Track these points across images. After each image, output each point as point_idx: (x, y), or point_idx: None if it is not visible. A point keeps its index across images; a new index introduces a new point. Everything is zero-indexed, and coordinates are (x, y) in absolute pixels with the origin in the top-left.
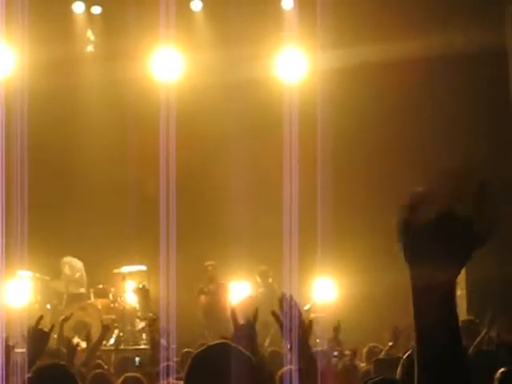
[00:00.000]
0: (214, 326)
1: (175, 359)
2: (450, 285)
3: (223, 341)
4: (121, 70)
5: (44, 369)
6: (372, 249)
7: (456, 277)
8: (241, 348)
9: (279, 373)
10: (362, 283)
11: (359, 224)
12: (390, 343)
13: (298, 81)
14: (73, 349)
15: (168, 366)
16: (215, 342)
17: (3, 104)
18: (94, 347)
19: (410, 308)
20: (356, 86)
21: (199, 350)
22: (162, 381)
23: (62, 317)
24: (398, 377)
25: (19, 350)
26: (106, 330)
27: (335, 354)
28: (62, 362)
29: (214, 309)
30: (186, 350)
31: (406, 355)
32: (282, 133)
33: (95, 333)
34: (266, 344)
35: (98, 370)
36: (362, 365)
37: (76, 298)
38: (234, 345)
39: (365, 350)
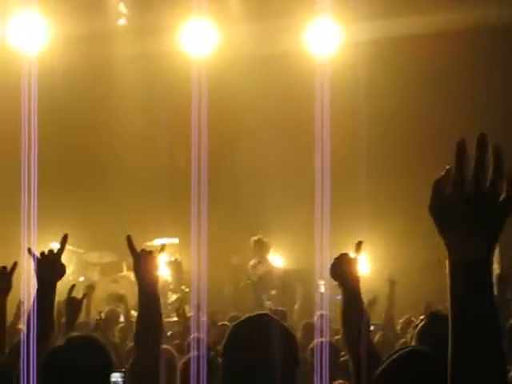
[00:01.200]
0: (276, 295)
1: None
2: (486, 261)
3: (263, 312)
4: (153, 44)
5: (75, 339)
6: (405, 224)
7: (490, 252)
8: (280, 320)
9: (311, 345)
10: (395, 258)
11: (393, 199)
12: (422, 317)
13: (330, 54)
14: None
15: (198, 339)
16: (255, 314)
17: (37, 76)
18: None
19: (443, 284)
20: (389, 59)
21: (238, 321)
22: (192, 352)
23: (87, 285)
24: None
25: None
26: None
27: (371, 328)
28: (94, 334)
29: (274, 278)
30: (222, 322)
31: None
32: (314, 106)
33: (129, 304)
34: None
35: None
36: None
37: (109, 269)
38: (274, 316)
39: (400, 321)
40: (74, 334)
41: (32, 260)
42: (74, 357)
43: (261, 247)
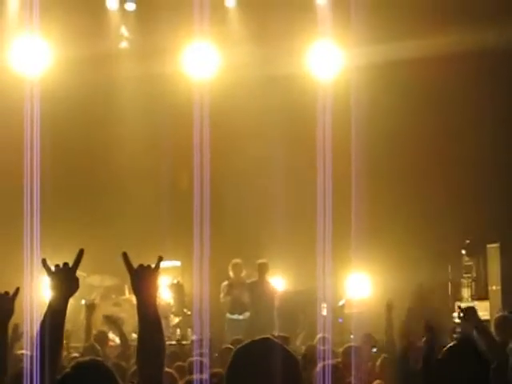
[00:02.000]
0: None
1: (208, 354)
2: None
3: (267, 336)
4: (155, 66)
5: (82, 365)
6: (406, 246)
7: None
8: (285, 345)
9: (316, 369)
10: (395, 280)
11: (393, 221)
12: (424, 338)
13: (332, 77)
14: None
15: (201, 362)
16: (259, 338)
17: (40, 99)
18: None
19: (443, 305)
20: (390, 83)
21: (242, 345)
22: (195, 375)
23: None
24: None
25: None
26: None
27: (374, 350)
28: (100, 358)
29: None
30: (226, 346)
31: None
32: (315, 128)
33: (130, 328)
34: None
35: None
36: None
37: (111, 292)
38: (278, 341)
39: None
40: (80, 359)
41: (46, 272)
42: (81, 382)
43: (264, 270)
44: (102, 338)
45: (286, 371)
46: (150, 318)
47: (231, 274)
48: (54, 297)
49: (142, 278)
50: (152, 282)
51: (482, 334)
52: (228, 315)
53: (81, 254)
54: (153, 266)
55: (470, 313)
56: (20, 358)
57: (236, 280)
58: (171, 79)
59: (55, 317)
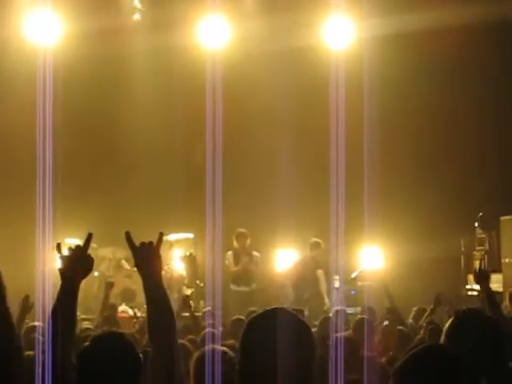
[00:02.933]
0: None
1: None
2: None
3: (280, 306)
4: (167, 39)
5: (101, 337)
6: (419, 218)
7: None
8: (297, 314)
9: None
10: (408, 252)
11: (406, 194)
12: (431, 306)
13: (345, 49)
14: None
15: (213, 333)
16: (272, 307)
17: (51, 72)
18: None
19: (454, 278)
20: (403, 54)
21: (255, 314)
22: (207, 346)
23: (108, 281)
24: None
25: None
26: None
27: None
28: (119, 330)
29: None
30: (237, 317)
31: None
32: (328, 100)
33: (142, 300)
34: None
35: None
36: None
37: (123, 265)
38: (290, 310)
39: (414, 309)
40: (99, 332)
41: (59, 256)
42: (103, 355)
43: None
44: (112, 310)
45: (300, 340)
46: (156, 294)
47: (235, 243)
48: (67, 278)
49: (144, 256)
50: (154, 258)
51: (490, 301)
52: (233, 287)
53: (89, 238)
54: (154, 242)
55: (483, 276)
56: (32, 329)
57: (240, 250)
58: (184, 52)
59: (68, 298)
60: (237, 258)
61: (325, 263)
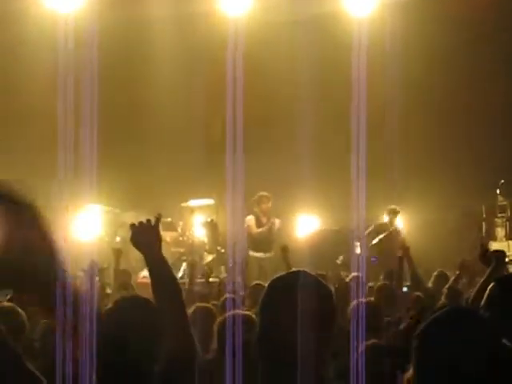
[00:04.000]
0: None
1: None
2: None
3: (301, 269)
4: (188, 5)
5: (124, 300)
6: (440, 184)
7: None
8: (320, 278)
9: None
10: (429, 217)
11: (428, 158)
12: (457, 272)
13: (368, 15)
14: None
15: (234, 299)
16: (294, 270)
17: (74, 37)
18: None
19: (477, 245)
20: (427, 19)
21: (276, 276)
22: (228, 311)
23: (114, 248)
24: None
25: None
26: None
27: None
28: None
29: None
30: (256, 282)
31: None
32: (350, 68)
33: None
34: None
35: None
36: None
37: None
38: (312, 274)
39: (434, 274)
40: (121, 295)
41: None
42: (124, 316)
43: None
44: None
45: (322, 302)
46: (156, 270)
47: (256, 207)
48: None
49: (139, 234)
50: (151, 236)
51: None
52: (252, 253)
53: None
54: (152, 221)
55: (498, 256)
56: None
57: (262, 214)
58: (205, 18)
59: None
60: (258, 222)
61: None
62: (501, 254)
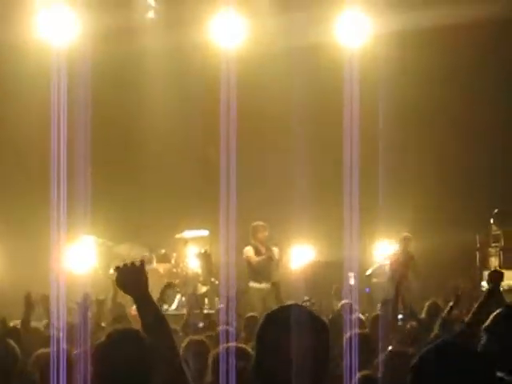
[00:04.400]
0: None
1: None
2: None
3: (296, 302)
4: (182, 36)
5: (116, 334)
6: (434, 215)
7: None
8: (313, 310)
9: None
10: (423, 247)
11: (421, 189)
12: (451, 303)
13: (360, 45)
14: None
15: (227, 331)
16: (288, 304)
17: (66, 72)
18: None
19: (472, 271)
20: (419, 51)
21: (272, 310)
22: (221, 344)
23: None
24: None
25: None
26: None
27: (400, 317)
28: (134, 328)
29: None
30: (250, 314)
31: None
32: (343, 97)
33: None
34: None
35: None
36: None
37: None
38: (307, 306)
39: (426, 304)
40: (113, 328)
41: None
42: (116, 351)
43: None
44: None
45: (316, 336)
46: (144, 311)
47: (253, 237)
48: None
49: (125, 276)
50: (136, 278)
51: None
52: (253, 284)
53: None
54: (137, 263)
55: (495, 276)
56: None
57: (260, 243)
58: (198, 50)
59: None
60: (257, 252)
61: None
62: (498, 273)
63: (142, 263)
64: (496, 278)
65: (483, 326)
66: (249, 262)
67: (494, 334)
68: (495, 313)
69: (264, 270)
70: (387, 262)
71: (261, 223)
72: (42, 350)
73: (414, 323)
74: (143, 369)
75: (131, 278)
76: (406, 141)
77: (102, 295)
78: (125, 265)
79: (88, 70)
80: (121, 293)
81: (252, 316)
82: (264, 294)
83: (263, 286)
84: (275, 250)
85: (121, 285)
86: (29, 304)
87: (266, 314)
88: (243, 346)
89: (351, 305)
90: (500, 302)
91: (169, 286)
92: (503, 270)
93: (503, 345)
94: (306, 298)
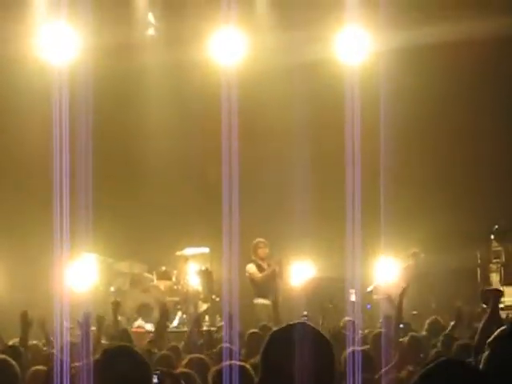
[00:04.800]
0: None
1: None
2: None
3: (302, 321)
4: (182, 53)
5: (111, 350)
6: (435, 231)
7: None
8: (318, 329)
9: (344, 354)
10: (424, 264)
11: (422, 206)
12: (453, 323)
13: (360, 62)
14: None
15: (230, 349)
16: (294, 322)
17: (66, 89)
18: (160, 328)
19: (471, 290)
20: (419, 68)
21: (278, 328)
22: (224, 362)
23: (112, 301)
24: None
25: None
26: (164, 312)
27: (401, 326)
28: (129, 344)
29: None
30: (252, 331)
31: None
32: (343, 114)
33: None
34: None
35: (164, 352)
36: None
37: (140, 280)
38: (312, 325)
39: (427, 322)
40: (110, 345)
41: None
42: (111, 368)
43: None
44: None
45: (321, 354)
46: None
47: (254, 254)
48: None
49: None
50: None
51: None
52: (258, 300)
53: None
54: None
55: (490, 295)
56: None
57: (261, 259)
58: (198, 66)
59: None
60: (259, 268)
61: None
62: (496, 292)
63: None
64: (495, 297)
65: (487, 342)
66: (252, 279)
67: (495, 350)
68: (500, 329)
69: (268, 285)
70: (391, 280)
71: (261, 240)
72: (37, 367)
73: (413, 335)
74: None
75: None
76: (408, 156)
77: (101, 312)
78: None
79: (89, 87)
80: (121, 310)
81: (254, 332)
82: (270, 310)
83: (268, 301)
84: (276, 267)
85: None
86: (25, 322)
87: (270, 333)
88: (245, 364)
89: (354, 322)
90: (498, 321)
91: (164, 311)
92: (504, 287)
93: (505, 361)
94: (305, 313)
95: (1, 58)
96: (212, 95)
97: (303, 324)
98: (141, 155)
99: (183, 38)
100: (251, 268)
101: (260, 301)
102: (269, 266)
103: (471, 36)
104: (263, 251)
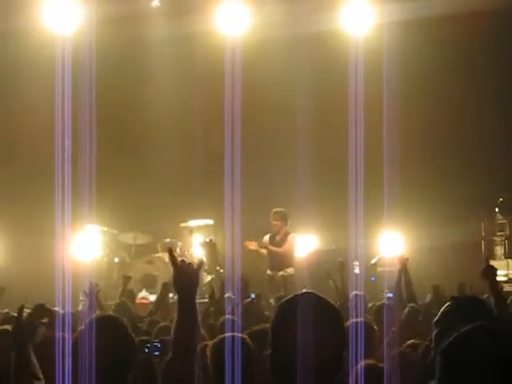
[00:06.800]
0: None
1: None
2: None
3: (310, 291)
4: (186, 25)
5: (95, 321)
6: (439, 204)
7: None
8: (327, 299)
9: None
10: (428, 237)
11: (426, 178)
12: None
13: (365, 34)
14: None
15: (233, 320)
16: (302, 292)
17: (71, 59)
18: (159, 301)
19: (475, 263)
20: (424, 39)
21: (286, 298)
22: (227, 333)
23: (123, 274)
24: None
25: None
26: (165, 284)
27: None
28: (114, 315)
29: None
30: (248, 300)
31: None
32: (347, 85)
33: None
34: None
35: (163, 324)
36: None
37: (143, 250)
38: (321, 295)
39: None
40: (94, 315)
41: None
42: (95, 338)
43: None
44: (130, 297)
45: (331, 323)
46: (187, 316)
47: (274, 223)
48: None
49: (183, 275)
50: (193, 280)
51: (497, 298)
52: (270, 272)
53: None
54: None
55: (488, 271)
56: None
57: (274, 230)
58: (202, 38)
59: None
60: (272, 240)
61: None
62: (491, 270)
63: (199, 266)
64: (490, 274)
65: (433, 321)
66: (267, 251)
67: (442, 329)
68: (444, 306)
69: (281, 257)
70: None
71: (273, 210)
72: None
73: (412, 304)
74: (124, 355)
75: (186, 278)
76: (411, 129)
77: (104, 283)
78: (183, 262)
79: (93, 58)
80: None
81: (249, 302)
82: (285, 280)
83: (282, 273)
84: (290, 236)
85: (175, 283)
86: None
87: (278, 305)
88: (244, 336)
89: (362, 296)
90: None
91: (165, 283)
92: (508, 260)
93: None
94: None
95: (3, 27)
96: (216, 66)
97: (311, 293)
98: (145, 127)
99: (188, 9)
100: (264, 238)
101: (270, 272)
102: (282, 236)
103: (479, 7)
104: (272, 224)
